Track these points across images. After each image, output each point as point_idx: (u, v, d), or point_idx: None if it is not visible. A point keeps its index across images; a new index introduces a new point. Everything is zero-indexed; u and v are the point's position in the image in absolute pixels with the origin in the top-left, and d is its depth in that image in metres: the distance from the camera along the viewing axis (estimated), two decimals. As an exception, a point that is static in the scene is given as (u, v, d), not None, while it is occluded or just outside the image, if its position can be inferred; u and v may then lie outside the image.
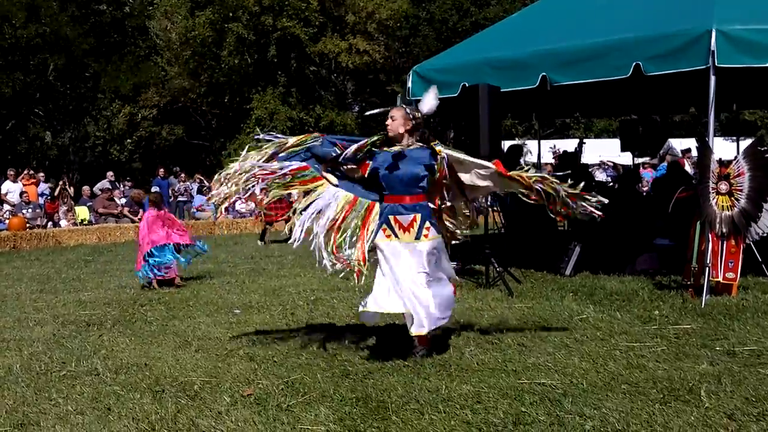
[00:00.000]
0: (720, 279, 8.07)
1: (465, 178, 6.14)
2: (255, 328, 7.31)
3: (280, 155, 6.13)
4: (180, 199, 23.58)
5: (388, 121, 6.03)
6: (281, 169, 6.04)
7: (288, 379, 5.41)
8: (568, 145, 22.02)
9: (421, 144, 6.05)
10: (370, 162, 6.13)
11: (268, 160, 6.09)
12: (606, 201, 6.11)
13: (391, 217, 5.96)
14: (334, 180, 6.19)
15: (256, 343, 6.63)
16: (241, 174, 6.01)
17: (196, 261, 12.66)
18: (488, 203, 10.81)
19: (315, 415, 4.59)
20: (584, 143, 14.72)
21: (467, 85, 9.80)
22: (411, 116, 6.01)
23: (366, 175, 6.17)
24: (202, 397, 5.06)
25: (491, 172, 6.12)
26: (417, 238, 5.88)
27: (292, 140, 6.18)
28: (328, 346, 6.36)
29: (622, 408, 4.52)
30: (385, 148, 6.09)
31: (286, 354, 6.18)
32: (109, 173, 23.91)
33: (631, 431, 4.17)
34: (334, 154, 6.15)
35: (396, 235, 5.92)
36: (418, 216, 5.91)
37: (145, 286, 10.23)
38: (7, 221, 19.06)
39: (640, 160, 19.68)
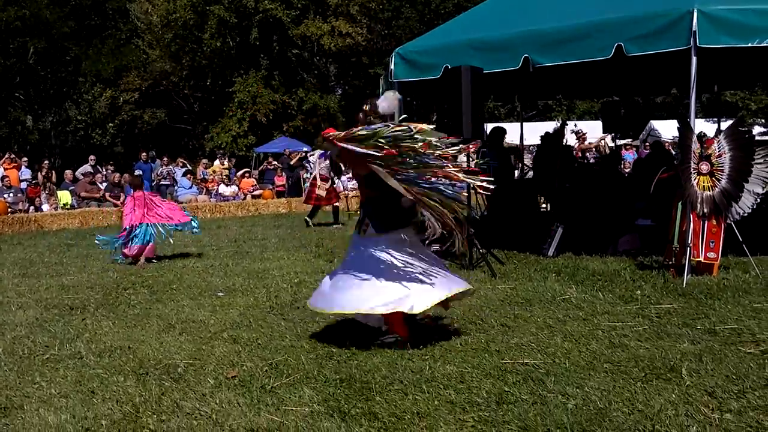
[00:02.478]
0: (701, 259, 8.12)
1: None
2: (239, 310, 7.31)
3: None
4: (163, 182, 23.45)
5: None
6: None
7: (272, 360, 5.42)
8: (550, 127, 22.08)
9: None
10: None
11: None
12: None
13: None
14: None
15: (239, 326, 6.64)
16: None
17: (179, 243, 12.65)
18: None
19: (299, 397, 4.61)
20: (566, 125, 14.71)
21: (449, 66, 9.79)
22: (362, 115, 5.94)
23: None
24: (186, 380, 5.07)
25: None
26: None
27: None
28: (311, 328, 6.37)
29: (604, 387, 4.56)
30: None
31: (270, 336, 6.19)
32: (91, 157, 23.75)
33: (613, 409, 4.20)
34: None
35: None
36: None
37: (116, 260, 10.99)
38: (-12, 206, 18.91)
39: (621, 142, 19.74)
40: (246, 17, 35.41)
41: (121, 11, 39.38)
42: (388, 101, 5.93)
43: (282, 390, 4.76)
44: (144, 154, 24.93)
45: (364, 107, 5.94)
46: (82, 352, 5.89)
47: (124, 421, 4.37)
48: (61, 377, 5.25)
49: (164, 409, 4.51)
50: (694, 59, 8.19)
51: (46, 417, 4.44)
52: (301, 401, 4.53)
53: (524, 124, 16.88)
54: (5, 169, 20.78)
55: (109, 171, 23.56)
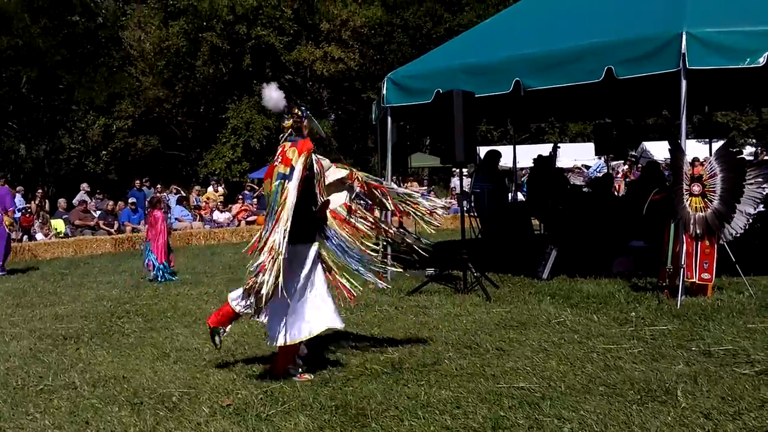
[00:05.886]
0: (695, 280, 8.12)
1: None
2: (233, 338, 7.28)
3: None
4: (157, 210, 23.36)
5: None
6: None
7: (267, 388, 5.41)
8: (543, 149, 22.15)
9: None
10: None
11: None
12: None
13: None
14: None
15: (234, 354, 6.62)
16: None
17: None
18: (466, 208, 10.85)
19: (294, 424, 4.59)
20: (559, 147, 14.79)
21: (441, 91, 9.83)
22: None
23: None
24: (181, 409, 5.05)
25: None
26: None
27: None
28: (305, 356, 6.35)
29: (600, 410, 4.56)
30: None
31: (264, 364, 6.17)
32: (84, 185, 23.72)
33: (609, 433, 4.20)
34: None
35: None
36: None
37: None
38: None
39: (614, 163, 19.81)
40: (239, 44, 35.49)
41: (113, 39, 39.35)
42: (273, 97, 6.18)
43: (277, 418, 4.74)
44: (138, 181, 24.87)
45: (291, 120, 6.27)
46: (76, 382, 5.87)
47: (119, 451, 4.36)
48: (55, 408, 5.22)
49: (159, 438, 4.49)
50: (683, 82, 8.23)
51: (40, 448, 4.42)
52: (296, 429, 4.52)
53: (517, 147, 16.94)
54: (-1, 198, 20.70)
55: (99, 199, 23.48)
